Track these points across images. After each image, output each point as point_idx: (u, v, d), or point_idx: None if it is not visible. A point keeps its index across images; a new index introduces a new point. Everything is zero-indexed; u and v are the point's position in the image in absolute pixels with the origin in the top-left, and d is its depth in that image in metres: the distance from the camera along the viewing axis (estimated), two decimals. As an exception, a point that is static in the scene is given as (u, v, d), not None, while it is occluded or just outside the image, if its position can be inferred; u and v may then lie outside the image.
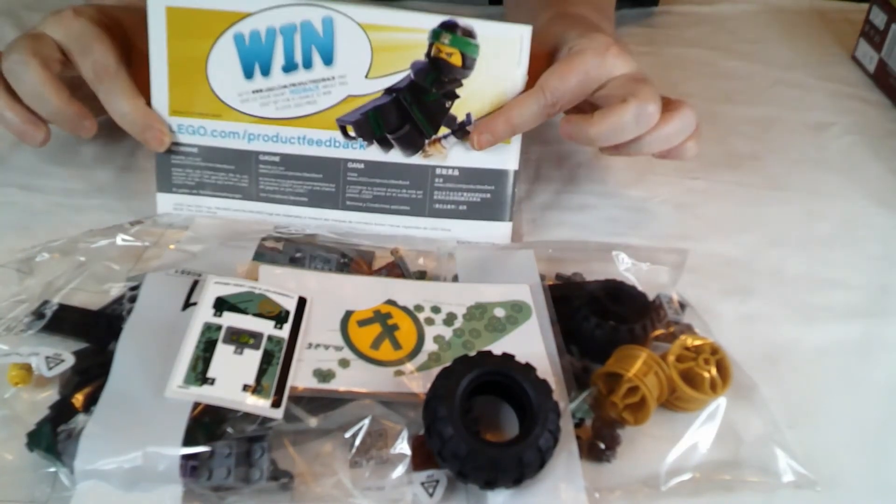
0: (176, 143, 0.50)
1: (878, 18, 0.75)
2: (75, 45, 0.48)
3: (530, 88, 0.49)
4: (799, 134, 0.68)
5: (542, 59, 0.51)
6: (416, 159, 0.51)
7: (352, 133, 0.50)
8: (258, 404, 0.37)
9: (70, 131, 0.50)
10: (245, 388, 0.38)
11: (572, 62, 0.48)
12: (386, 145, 0.50)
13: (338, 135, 0.50)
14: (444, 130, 0.50)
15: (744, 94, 0.73)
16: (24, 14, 0.73)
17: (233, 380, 0.38)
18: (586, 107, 0.50)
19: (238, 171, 0.51)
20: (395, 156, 0.51)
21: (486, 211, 0.52)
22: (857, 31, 0.79)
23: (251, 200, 0.52)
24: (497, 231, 0.52)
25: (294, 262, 0.48)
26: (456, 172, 0.51)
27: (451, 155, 0.51)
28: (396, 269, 0.49)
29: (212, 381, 0.38)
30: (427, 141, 0.50)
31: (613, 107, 0.47)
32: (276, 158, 0.51)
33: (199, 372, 0.38)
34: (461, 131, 0.50)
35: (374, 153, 0.51)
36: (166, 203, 0.52)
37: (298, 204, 0.52)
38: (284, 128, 0.50)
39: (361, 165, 0.51)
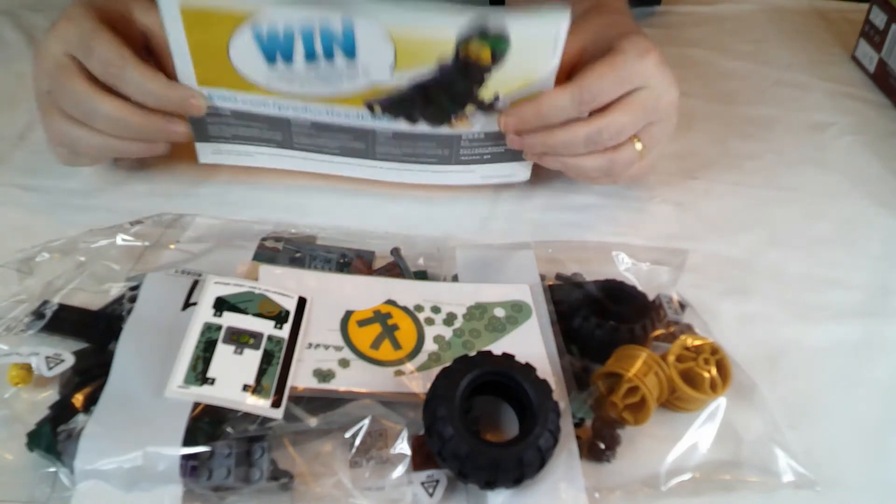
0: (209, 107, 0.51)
1: (878, 18, 0.75)
2: (78, 50, 0.48)
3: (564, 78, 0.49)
4: (799, 134, 0.68)
5: (579, 54, 0.51)
6: (444, 130, 0.51)
7: (378, 112, 0.50)
8: (258, 404, 0.37)
9: (160, 137, 0.51)
10: (245, 388, 0.38)
11: (614, 63, 0.48)
12: (412, 120, 0.50)
13: (365, 111, 0.50)
14: (470, 108, 0.50)
15: (744, 94, 0.73)
16: (24, 14, 0.73)
17: (233, 380, 0.38)
18: None
19: (272, 129, 0.52)
20: (422, 127, 0.51)
21: (508, 155, 0.53)
22: (857, 31, 0.79)
23: (287, 148, 0.53)
24: (518, 170, 0.54)
25: (294, 262, 0.48)
26: (482, 136, 0.52)
27: (477, 124, 0.51)
28: (397, 269, 0.49)
29: (212, 381, 0.38)
30: (453, 117, 0.50)
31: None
32: (308, 124, 0.52)
33: (200, 372, 0.38)
34: (489, 109, 0.50)
35: (401, 125, 0.51)
36: (206, 152, 0.53)
37: (332, 153, 0.53)
38: (312, 104, 0.50)
39: (390, 134, 0.52)
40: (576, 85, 0.48)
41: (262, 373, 0.39)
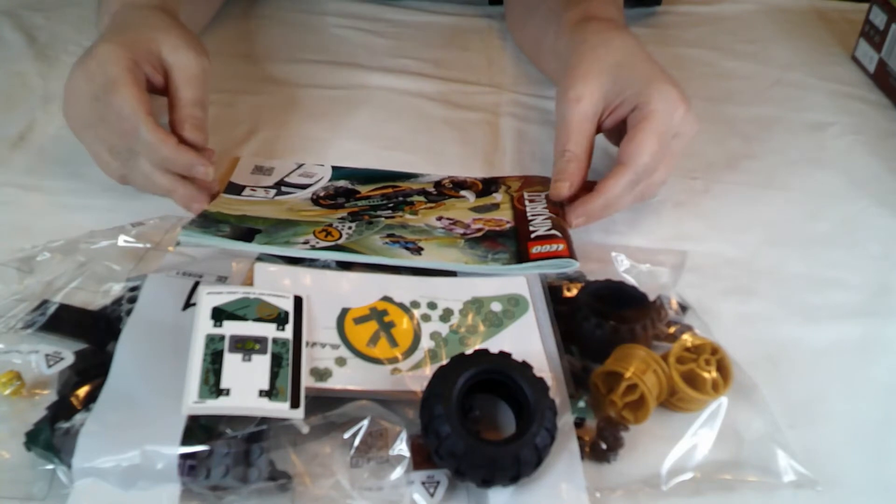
0: None
1: (878, 18, 0.75)
2: (101, 97, 0.48)
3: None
4: (799, 134, 0.68)
5: (602, 99, 0.52)
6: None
7: None
8: (278, 408, 0.37)
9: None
10: (261, 393, 0.37)
11: (654, 130, 0.50)
12: None
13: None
14: None
15: (744, 94, 0.73)
16: (24, 14, 0.73)
17: (247, 387, 0.37)
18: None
19: None
20: None
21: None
22: (857, 31, 0.79)
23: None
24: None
25: (291, 260, 0.47)
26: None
27: None
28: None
29: (227, 392, 0.37)
30: None
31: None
32: None
33: (213, 385, 0.37)
34: None
35: None
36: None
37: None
38: None
39: None
40: (628, 169, 0.50)
41: (274, 376, 0.38)
